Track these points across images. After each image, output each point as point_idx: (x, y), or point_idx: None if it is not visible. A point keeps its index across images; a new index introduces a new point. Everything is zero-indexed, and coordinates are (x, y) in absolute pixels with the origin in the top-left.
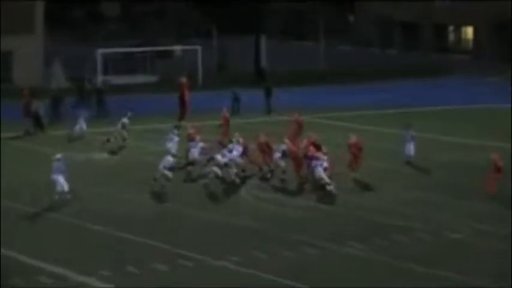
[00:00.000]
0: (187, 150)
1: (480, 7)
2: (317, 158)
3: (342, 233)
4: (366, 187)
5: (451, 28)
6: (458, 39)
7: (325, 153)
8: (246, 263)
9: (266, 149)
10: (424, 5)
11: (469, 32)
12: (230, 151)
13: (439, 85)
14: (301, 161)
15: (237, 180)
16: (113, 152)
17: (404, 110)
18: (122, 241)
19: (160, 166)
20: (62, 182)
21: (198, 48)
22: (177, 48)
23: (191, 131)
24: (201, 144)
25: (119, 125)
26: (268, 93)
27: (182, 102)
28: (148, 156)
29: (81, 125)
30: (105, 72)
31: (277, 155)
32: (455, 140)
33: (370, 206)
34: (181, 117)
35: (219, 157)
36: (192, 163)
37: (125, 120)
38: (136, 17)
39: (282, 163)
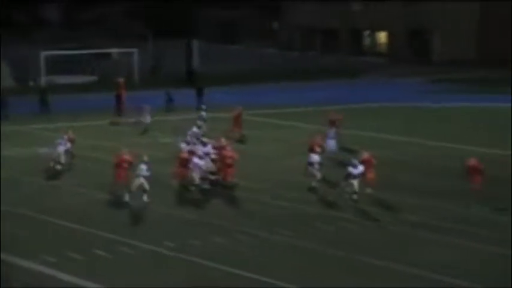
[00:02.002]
0: None
1: (393, 14)
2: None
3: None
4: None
5: (366, 33)
6: (373, 44)
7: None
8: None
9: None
10: (341, 12)
11: (383, 36)
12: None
13: (356, 85)
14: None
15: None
16: None
17: (326, 107)
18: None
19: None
20: None
21: (135, 51)
22: (115, 51)
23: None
24: None
25: None
26: (199, 93)
27: (119, 100)
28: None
29: None
30: (49, 72)
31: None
32: (375, 135)
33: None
34: (118, 114)
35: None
36: None
37: None
38: (78, 21)
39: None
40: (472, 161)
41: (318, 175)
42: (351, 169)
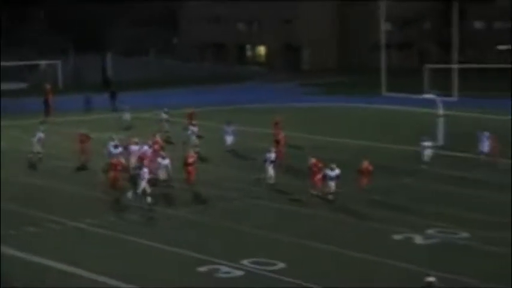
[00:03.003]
0: None
1: (270, 32)
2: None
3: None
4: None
5: (248, 47)
6: (255, 55)
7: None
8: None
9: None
10: (228, 30)
11: (262, 50)
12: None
13: (242, 89)
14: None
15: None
16: None
17: (221, 108)
18: None
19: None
20: None
21: (58, 62)
22: (42, 62)
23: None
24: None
25: None
26: (113, 96)
27: (47, 103)
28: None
29: None
30: None
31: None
32: (262, 131)
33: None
34: (46, 115)
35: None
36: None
37: None
38: (13, 38)
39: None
40: (365, 164)
41: (270, 173)
42: (328, 171)
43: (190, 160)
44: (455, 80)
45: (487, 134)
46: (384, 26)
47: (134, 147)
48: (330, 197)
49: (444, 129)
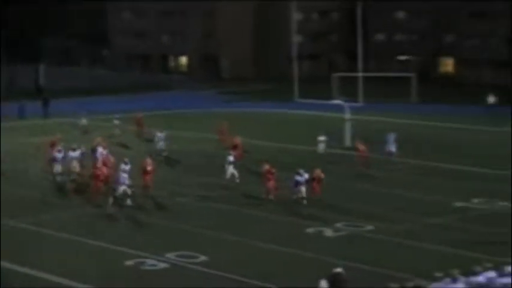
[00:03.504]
0: None
1: (191, 44)
2: None
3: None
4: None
5: (171, 58)
6: (177, 65)
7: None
8: None
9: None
10: (153, 42)
11: (184, 60)
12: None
13: (166, 96)
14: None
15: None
16: None
17: (146, 113)
18: None
19: None
20: None
21: None
22: None
23: None
24: None
25: None
26: (45, 103)
27: None
28: None
29: None
30: None
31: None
32: (188, 135)
33: None
34: None
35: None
36: None
37: None
38: None
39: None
40: (266, 166)
41: (229, 173)
42: (298, 177)
43: (149, 168)
44: (360, 87)
45: (393, 135)
46: (296, 39)
47: (72, 153)
48: (304, 202)
49: (351, 132)
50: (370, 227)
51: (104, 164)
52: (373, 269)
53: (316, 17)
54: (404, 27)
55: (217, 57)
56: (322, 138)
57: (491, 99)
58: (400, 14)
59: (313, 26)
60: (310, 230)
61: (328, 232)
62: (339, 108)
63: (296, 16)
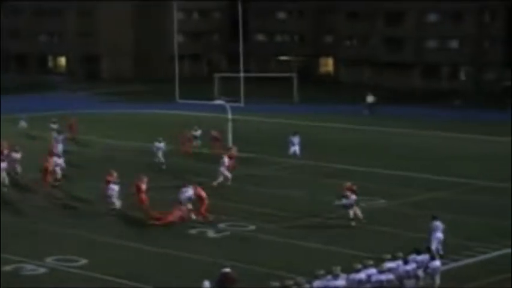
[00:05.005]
0: None
1: (69, 44)
2: None
3: None
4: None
5: (50, 57)
6: (56, 65)
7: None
8: None
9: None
10: (30, 41)
11: (62, 60)
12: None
13: (44, 97)
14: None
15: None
16: None
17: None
18: None
19: None
20: None
21: None
22: None
23: None
24: None
25: None
26: None
27: None
28: None
29: None
30: None
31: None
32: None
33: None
34: None
35: None
36: None
37: None
38: None
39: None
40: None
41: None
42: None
43: (143, 187)
44: (242, 88)
45: (296, 137)
46: (177, 39)
47: (16, 155)
48: (210, 217)
49: (233, 132)
50: (252, 227)
51: None
52: (254, 267)
53: (197, 16)
54: (284, 28)
55: (98, 57)
56: (159, 144)
57: (370, 98)
58: (281, 15)
59: (194, 25)
60: (193, 232)
61: (211, 233)
62: (222, 109)
63: (177, 16)
